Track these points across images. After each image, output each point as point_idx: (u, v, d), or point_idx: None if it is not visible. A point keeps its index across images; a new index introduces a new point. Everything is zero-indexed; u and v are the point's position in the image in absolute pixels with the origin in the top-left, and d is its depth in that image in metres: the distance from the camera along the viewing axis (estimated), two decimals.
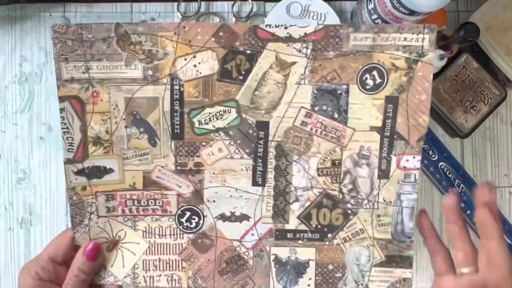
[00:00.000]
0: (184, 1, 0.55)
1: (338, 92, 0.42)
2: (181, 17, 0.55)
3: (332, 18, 0.53)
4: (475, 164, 0.58)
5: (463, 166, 0.57)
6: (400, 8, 0.44)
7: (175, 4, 0.55)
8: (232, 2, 0.55)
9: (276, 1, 0.53)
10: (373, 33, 0.41)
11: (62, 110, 0.42)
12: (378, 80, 0.41)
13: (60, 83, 0.41)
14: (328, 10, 0.53)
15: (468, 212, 0.56)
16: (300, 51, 0.41)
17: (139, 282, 0.44)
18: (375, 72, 0.41)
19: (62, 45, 0.41)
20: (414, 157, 0.43)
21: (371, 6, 0.48)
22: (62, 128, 0.42)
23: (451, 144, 0.57)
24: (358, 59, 0.41)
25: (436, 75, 0.54)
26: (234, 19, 0.55)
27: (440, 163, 0.56)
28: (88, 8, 0.55)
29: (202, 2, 0.55)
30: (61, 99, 0.42)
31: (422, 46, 0.41)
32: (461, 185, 0.56)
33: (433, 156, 0.56)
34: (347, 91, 0.42)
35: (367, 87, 0.42)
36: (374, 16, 0.49)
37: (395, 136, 0.42)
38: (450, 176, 0.56)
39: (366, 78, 0.42)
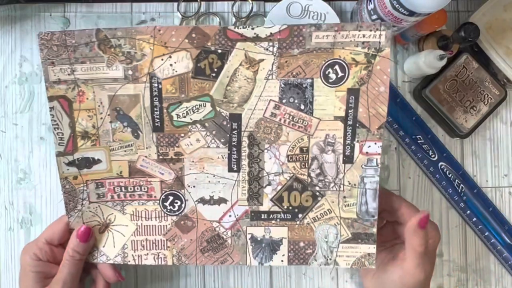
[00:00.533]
0: (184, 1, 0.55)
1: (304, 85, 0.46)
2: (181, 17, 0.55)
3: (332, 18, 0.53)
4: (475, 164, 0.58)
5: (463, 166, 0.57)
6: (400, 9, 0.44)
7: (175, 4, 0.55)
8: (232, 2, 0.55)
9: (276, 1, 0.53)
10: (334, 31, 0.44)
11: (51, 108, 0.45)
12: (340, 74, 0.45)
13: (48, 84, 0.45)
14: (328, 10, 0.53)
15: (468, 212, 0.56)
16: (267, 49, 0.45)
17: (129, 261, 0.49)
18: (337, 67, 0.45)
19: (48, 51, 0.44)
20: (375, 143, 0.46)
21: (371, 6, 0.48)
22: (53, 125, 0.46)
23: (451, 144, 0.57)
24: (320, 55, 0.45)
25: (436, 75, 0.54)
26: (234, 19, 0.55)
27: (440, 163, 0.56)
28: (88, 8, 0.55)
29: (202, 2, 0.55)
30: (50, 98, 0.45)
31: (379, 42, 0.44)
32: (461, 185, 0.56)
33: (433, 156, 0.56)
34: (311, 85, 0.46)
35: (330, 80, 0.46)
36: (374, 17, 0.49)
37: (357, 125, 0.46)
38: (450, 176, 0.56)
39: (329, 72, 0.45)
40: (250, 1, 0.55)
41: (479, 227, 0.57)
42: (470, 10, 0.57)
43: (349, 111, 0.46)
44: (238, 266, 0.56)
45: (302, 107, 0.46)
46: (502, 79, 0.56)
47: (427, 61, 0.51)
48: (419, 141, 0.56)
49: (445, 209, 0.57)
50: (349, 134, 0.46)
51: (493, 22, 0.55)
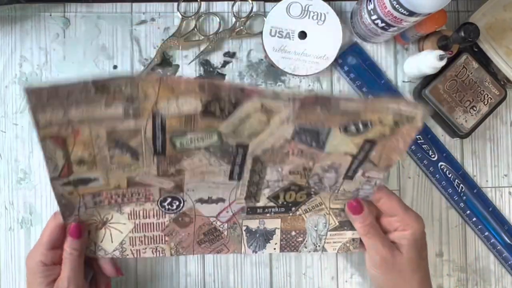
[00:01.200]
0: (184, 1, 0.55)
1: (320, 131, 0.43)
2: (181, 17, 0.55)
3: (332, 18, 0.53)
4: (475, 164, 0.58)
5: (463, 166, 0.57)
6: (400, 9, 0.44)
7: (175, 4, 0.55)
8: (232, 2, 0.55)
9: (276, 1, 0.53)
10: (366, 103, 0.41)
11: (43, 146, 0.40)
12: (362, 130, 0.42)
13: (38, 129, 0.39)
14: (328, 10, 0.53)
15: (468, 212, 0.56)
16: (287, 103, 0.40)
17: (127, 255, 0.49)
18: (360, 124, 0.42)
19: (37, 101, 0.37)
20: (378, 173, 0.46)
21: (370, 6, 0.48)
22: (45, 159, 0.41)
23: (451, 144, 0.57)
24: (345, 117, 0.42)
25: (436, 75, 0.54)
26: (234, 19, 0.55)
27: (440, 163, 0.56)
28: (88, 8, 0.55)
29: (202, 2, 0.55)
30: (42, 138, 0.39)
31: (414, 118, 0.41)
32: (461, 185, 0.56)
33: (433, 156, 0.56)
34: (328, 132, 0.43)
35: (349, 132, 0.43)
36: (374, 17, 0.49)
37: (366, 161, 0.45)
38: (449, 176, 0.56)
39: (350, 127, 0.42)
40: (250, 1, 0.55)
41: (479, 227, 0.57)
42: (470, 10, 0.57)
43: (362, 151, 0.44)
44: (238, 266, 0.56)
45: (314, 144, 0.44)
46: (502, 79, 0.56)
47: (427, 61, 0.51)
48: (419, 141, 0.56)
49: (445, 209, 0.57)
50: (355, 164, 0.45)
51: (493, 22, 0.55)
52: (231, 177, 0.47)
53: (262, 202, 0.50)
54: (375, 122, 0.42)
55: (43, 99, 0.37)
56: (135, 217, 0.49)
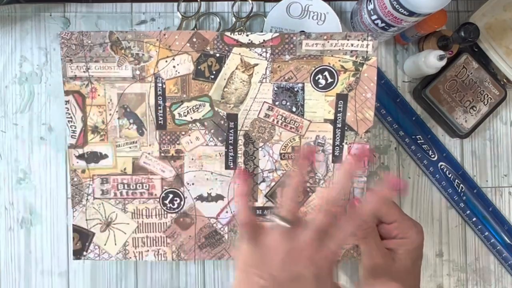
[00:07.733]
0: (184, 1, 0.55)
1: (295, 89, 0.49)
2: (181, 17, 0.55)
3: (332, 18, 0.53)
4: (474, 164, 0.58)
5: (462, 166, 0.57)
6: (400, 9, 0.44)
7: (175, 4, 0.55)
8: (232, 2, 0.55)
9: (276, 1, 0.53)
10: (323, 40, 0.48)
11: (67, 102, 0.49)
12: (329, 80, 0.49)
13: (65, 79, 0.49)
14: (328, 10, 0.53)
15: (468, 212, 0.56)
16: (260, 54, 0.49)
17: (130, 257, 0.51)
18: (326, 73, 0.49)
19: (67, 49, 0.49)
20: (363, 146, 0.50)
21: (370, 6, 0.48)
22: (67, 117, 0.49)
23: (451, 144, 0.57)
24: (310, 61, 0.49)
25: (436, 75, 0.54)
26: (234, 19, 0.55)
27: (440, 163, 0.56)
28: (88, 8, 0.55)
29: (202, 2, 0.55)
30: (66, 92, 0.49)
31: (367, 51, 0.48)
32: (461, 185, 0.56)
33: (433, 156, 0.56)
34: (302, 89, 0.49)
35: (320, 85, 0.49)
36: (374, 17, 0.49)
37: (345, 128, 0.50)
38: (449, 176, 0.56)
39: (319, 78, 0.49)
40: (250, 1, 0.55)
41: (479, 227, 0.57)
42: (470, 10, 0.57)
43: (338, 114, 0.49)
44: None
45: (294, 109, 0.50)
46: (502, 79, 0.56)
47: (427, 61, 0.51)
48: (419, 141, 0.56)
49: (445, 209, 0.57)
50: (338, 136, 0.50)
51: (493, 22, 0.55)
52: (227, 165, 0.50)
53: (260, 201, 0.50)
54: (338, 68, 0.49)
55: (71, 47, 0.49)
56: (138, 216, 0.51)
